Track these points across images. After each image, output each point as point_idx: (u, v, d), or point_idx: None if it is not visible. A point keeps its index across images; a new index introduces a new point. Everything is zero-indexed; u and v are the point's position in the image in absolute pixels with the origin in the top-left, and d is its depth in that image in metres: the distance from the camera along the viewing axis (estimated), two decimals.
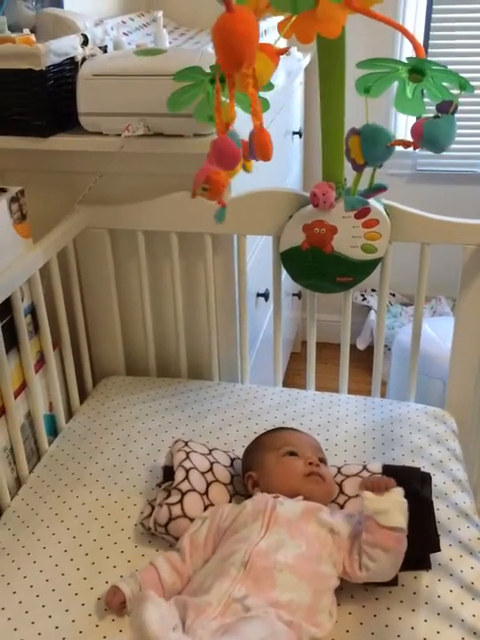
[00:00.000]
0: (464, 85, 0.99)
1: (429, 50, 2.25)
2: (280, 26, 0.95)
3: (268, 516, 0.95)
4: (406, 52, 2.27)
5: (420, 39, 2.25)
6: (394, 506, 0.91)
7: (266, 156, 0.99)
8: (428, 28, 2.23)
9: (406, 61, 1.02)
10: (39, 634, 0.90)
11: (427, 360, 1.85)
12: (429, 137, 0.98)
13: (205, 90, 1.11)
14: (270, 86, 1.10)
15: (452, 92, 1.02)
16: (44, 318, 1.25)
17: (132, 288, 1.45)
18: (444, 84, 1.01)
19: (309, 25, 0.91)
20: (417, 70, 1.00)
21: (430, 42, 2.25)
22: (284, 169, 1.98)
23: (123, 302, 1.47)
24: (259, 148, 0.98)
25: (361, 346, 2.48)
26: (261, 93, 1.06)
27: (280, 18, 0.97)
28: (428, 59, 1.02)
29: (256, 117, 0.97)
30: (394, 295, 2.59)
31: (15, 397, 1.17)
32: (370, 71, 1.03)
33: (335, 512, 0.99)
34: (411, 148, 1.03)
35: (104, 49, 1.38)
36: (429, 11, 2.20)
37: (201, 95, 1.12)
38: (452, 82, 1.01)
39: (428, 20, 2.21)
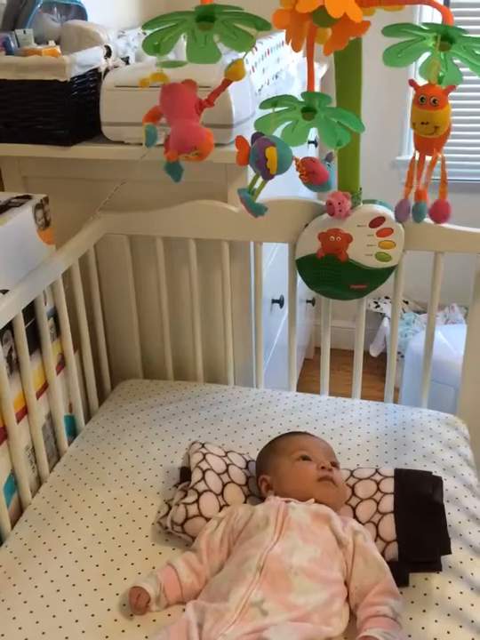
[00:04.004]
0: None
1: None
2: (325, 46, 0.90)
3: (281, 520, 0.97)
4: None
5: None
6: None
7: None
8: None
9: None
10: (60, 627, 0.93)
11: (439, 367, 1.86)
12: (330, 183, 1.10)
13: (190, 29, 0.99)
14: None
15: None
16: (66, 322, 1.28)
17: (151, 293, 1.48)
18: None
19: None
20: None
21: None
22: None
23: (141, 307, 1.50)
24: None
25: (374, 353, 2.49)
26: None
27: None
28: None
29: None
30: (407, 303, 2.60)
31: (37, 398, 1.20)
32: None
33: (344, 522, 1.00)
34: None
35: (126, 60, 1.42)
36: None
37: (184, 34, 1.01)
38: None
39: None
